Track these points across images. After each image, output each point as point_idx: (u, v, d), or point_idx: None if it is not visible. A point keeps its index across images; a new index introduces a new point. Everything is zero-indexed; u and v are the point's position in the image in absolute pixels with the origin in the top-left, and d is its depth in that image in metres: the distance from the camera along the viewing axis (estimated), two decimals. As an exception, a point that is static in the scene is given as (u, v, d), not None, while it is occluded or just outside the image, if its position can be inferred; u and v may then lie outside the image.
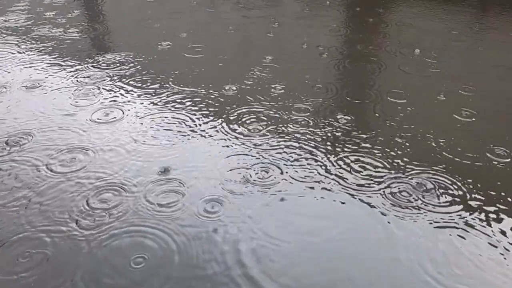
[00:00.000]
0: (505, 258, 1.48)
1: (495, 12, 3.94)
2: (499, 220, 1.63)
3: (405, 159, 1.95)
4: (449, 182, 1.81)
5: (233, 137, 2.11)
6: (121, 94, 2.51)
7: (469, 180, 1.82)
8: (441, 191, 1.76)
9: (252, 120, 2.24)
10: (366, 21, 3.79)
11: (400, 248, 1.52)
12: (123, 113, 2.31)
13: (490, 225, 1.61)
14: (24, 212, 1.66)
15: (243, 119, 2.25)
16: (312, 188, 1.78)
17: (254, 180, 1.81)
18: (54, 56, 3.04)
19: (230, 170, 1.88)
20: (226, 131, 2.15)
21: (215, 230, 1.57)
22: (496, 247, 1.53)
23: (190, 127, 2.20)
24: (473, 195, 1.75)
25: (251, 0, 4.32)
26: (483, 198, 1.73)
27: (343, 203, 1.71)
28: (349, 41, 3.37)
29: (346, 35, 3.47)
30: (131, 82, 2.65)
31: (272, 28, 3.58)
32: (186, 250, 1.50)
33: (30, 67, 2.87)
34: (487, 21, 3.74)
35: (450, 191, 1.76)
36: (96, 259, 1.47)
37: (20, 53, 3.10)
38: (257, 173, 1.86)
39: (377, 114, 2.32)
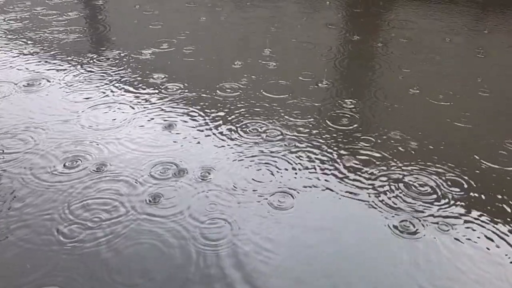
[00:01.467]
0: (502, 271, 1.44)
1: (495, 11, 3.94)
2: (498, 229, 1.61)
3: (405, 160, 1.94)
4: (448, 185, 1.80)
5: (233, 139, 2.10)
6: (122, 95, 2.51)
7: (468, 183, 1.81)
8: (440, 195, 1.75)
9: (252, 121, 2.24)
10: (366, 21, 3.79)
11: (395, 255, 1.50)
12: (123, 113, 2.31)
13: (489, 235, 1.57)
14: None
15: (243, 120, 2.25)
16: (311, 191, 1.77)
17: (254, 190, 1.78)
18: (54, 56, 3.03)
19: (229, 174, 1.88)
20: (226, 133, 2.15)
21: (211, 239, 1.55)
22: (493, 259, 1.49)
23: (190, 127, 2.19)
24: (472, 200, 1.73)
25: (251, 0, 4.32)
26: (483, 203, 1.71)
27: (342, 207, 1.70)
28: (349, 41, 3.36)
29: (346, 35, 3.47)
30: (131, 82, 2.65)
31: (272, 28, 3.58)
32: (181, 264, 1.46)
33: (29, 66, 2.87)
34: (487, 21, 3.74)
35: (448, 195, 1.75)
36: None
37: (20, 52, 3.10)
38: (255, 176, 1.86)
39: (377, 114, 2.31)
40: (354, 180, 1.82)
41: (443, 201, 1.71)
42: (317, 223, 1.62)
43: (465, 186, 1.79)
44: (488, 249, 1.52)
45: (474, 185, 1.80)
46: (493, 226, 1.61)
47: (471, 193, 1.75)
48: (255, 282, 1.38)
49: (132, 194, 1.73)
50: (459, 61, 3.01)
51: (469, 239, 1.55)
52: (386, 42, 3.28)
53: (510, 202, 1.72)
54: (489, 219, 1.64)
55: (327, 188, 1.77)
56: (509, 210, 1.68)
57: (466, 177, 1.84)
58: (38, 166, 1.89)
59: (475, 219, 1.64)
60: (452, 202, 1.71)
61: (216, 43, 3.28)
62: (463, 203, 1.70)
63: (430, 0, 4.22)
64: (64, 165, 1.89)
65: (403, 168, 1.89)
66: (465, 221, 1.62)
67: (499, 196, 1.75)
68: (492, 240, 1.55)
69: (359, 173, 1.86)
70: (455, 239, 1.55)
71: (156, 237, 1.54)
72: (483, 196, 1.74)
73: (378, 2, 4.26)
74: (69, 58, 3.00)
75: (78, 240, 1.53)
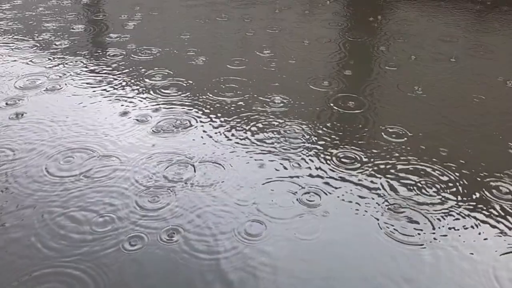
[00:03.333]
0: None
1: (496, 11, 3.93)
2: (496, 237, 1.58)
3: (406, 163, 1.94)
4: (449, 192, 1.78)
5: (233, 141, 2.10)
6: (125, 94, 2.51)
7: (469, 189, 1.80)
8: (439, 201, 1.74)
9: (252, 122, 2.24)
10: (366, 20, 3.78)
11: (389, 264, 1.47)
12: (128, 113, 2.31)
13: (486, 241, 1.55)
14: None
15: (243, 121, 2.24)
16: (312, 196, 1.76)
17: (253, 201, 1.74)
18: (55, 56, 3.03)
19: (231, 181, 1.87)
20: (227, 135, 2.14)
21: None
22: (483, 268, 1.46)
23: (191, 127, 2.19)
24: (471, 207, 1.70)
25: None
26: (484, 210, 1.68)
27: (339, 214, 1.69)
28: (348, 40, 3.36)
29: (346, 35, 3.46)
30: (133, 82, 2.64)
31: (273, 26, 3.57)
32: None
33: (30, 65, 2.87)
34: (487, 21, 3.73)
35: (448, 202, 1.73)
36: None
37: (22, 53, 3.11)
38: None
39: (377, 116, 2.31)
40: (353, 185, 1.81)
41: (441, 208, 1.69)
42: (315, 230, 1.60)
43: (463, 187, 1.78)
44: (480, 258, 1.50)
45: (472, 187, 1.79)
46: (492, 234, 1.59)
47: (472, 202, 1.73)
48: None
49: (128, 205, 1.73)
50: (460, 61, 3.00)
51: (466, 248, 1.52)
52: (386, 42, 3.27)
53: (509, 209, 1.70)
54: (489, 227, 1.62)
55: (327, 193, 1.77)
56: (508, 218, 1.67)
57: (466, 183, 1.82)
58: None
59: (475, 226, 1.62)
60: (451, 209, 1.69)
61: (217, 42, 3.28)
62: (462, 210, 1.68)
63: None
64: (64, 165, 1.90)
65: (400, 166, 1.88)
66: (463, 229, 1.60)
67: (496, 205, 1.72)
68: (486, 251, 1.53)
69: (358, 177, 1.85)
70: (452, 248, 1.52)
71: (152, 250, 1.50)
72: (483, 204, 1.72)
73: (379, 1, 4.25)
74: (71, 58, 3.00)
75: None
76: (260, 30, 3.52)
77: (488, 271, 1.44)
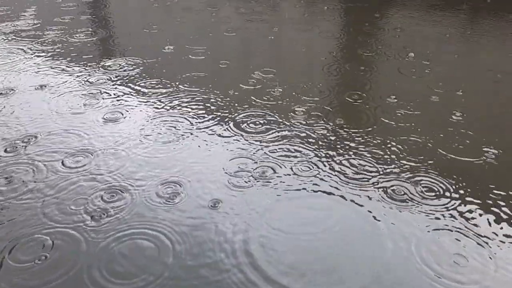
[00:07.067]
0: (490, 258, 1.48)
1: (489, 16, 3.99)
2: (486, 220, 1.64)
3: (400, 157, 1.98)
4: (440, 181, 1.83)
5: (236, 136, 2.15)
6: (127, 97, 2.56)
7: (460, 178, 1.85)
8: (433, 188, 1.80)
9: (253, 120, 2.29)
10: (362, 26, 3.83)
11: (386, 239, 1.55)
12: (128, 115, 2.35)
13: (477, 225, 1.61)
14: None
15: (245, 119, 2.29)
16: (309, 184, 1.82)
17: (256, 178, 1.85)
18: (60, 60, 3.09)
19: (232, 160, 1.94)
20: (230, 131, 2.20)
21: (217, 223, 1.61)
22: (483, 247, 1.53)
23: (192, 127, 2.24)
24: (464, 195, 1.76)
25: (251, 5, 4.38)
26: (475, 200, 1.74)
27: (340, 197, 1.75)
28: (345, 45, 3.40)
29: (342, 39, 3.51)
30: (136, 85, 2.70)
31: (272, 33, 3.63)
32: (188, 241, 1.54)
33: (38, 70, 2.93)
34: (478, 26, 3.79)
35: (441, 190, 1.79)
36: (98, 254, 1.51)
37: (28, 56, 3.17)
38: (258, 170, 1.91)
39: (372, 115, 2.35)
40: (351, 176, 1.87)
41: (434, 195, 1.74)
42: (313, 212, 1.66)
43: (458, 182, 1.82)
44: (479, 240, 1.55)
45: (467, 182, 1.83)
46: (481, 220, 1.65)
47: (466, 191, 1.78)
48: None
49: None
50: (452, 64, 3.02)
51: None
52: (381, 46, 3.32)
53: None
54: (477, 212, 1.67)
55: (323, 183, 1.83)
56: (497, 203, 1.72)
57: (457, 173, 1.87)
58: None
59: (465, 214, 1.67)
60: (441, 196, 1.75)
61: (218, 47, 3.34)
62: (454, 198, 1.74)
63: (424, 5, 4.27)
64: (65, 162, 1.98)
65: (398, 164, 1.93)
66: (452, 219, 1.65)
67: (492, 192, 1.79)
68: (481, 234, 1.59)
69: (355, 169, 1.90)
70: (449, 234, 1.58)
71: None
72: (475, 192, 1.77)
73: (373, 7, 4.31)
74: (75, 63, 3.05)
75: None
76: (260, 37, 3.57)
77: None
